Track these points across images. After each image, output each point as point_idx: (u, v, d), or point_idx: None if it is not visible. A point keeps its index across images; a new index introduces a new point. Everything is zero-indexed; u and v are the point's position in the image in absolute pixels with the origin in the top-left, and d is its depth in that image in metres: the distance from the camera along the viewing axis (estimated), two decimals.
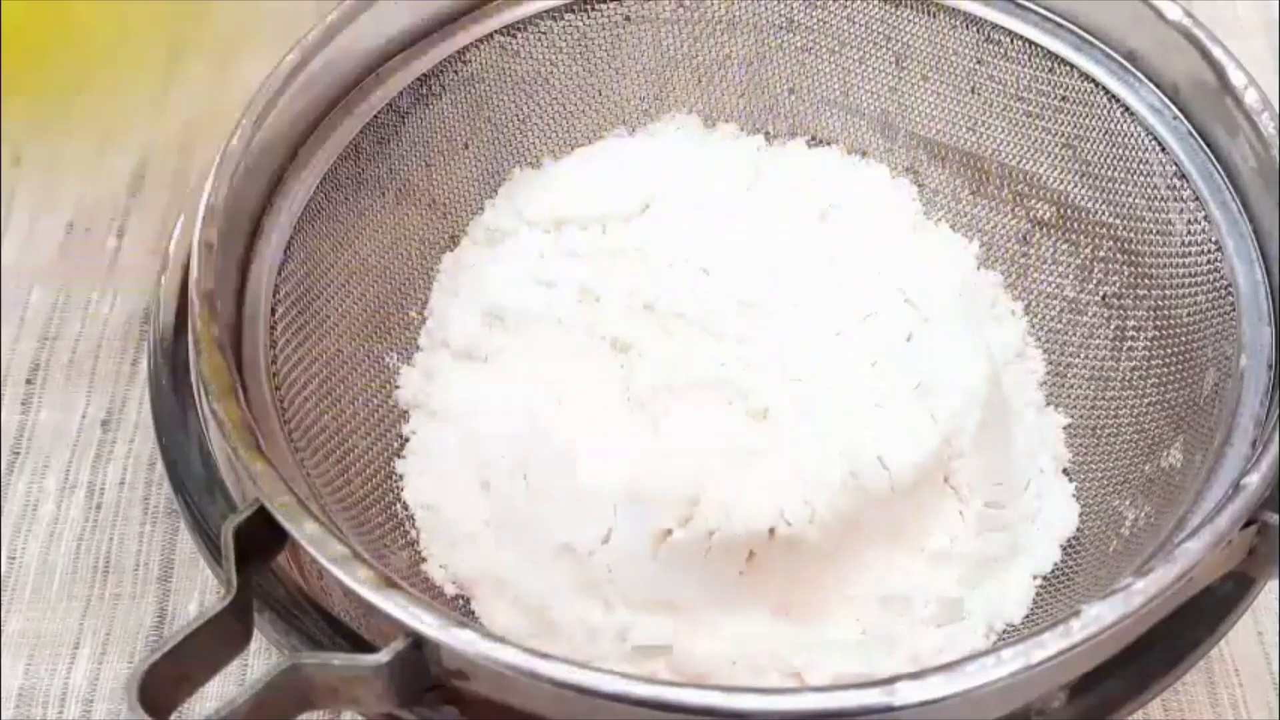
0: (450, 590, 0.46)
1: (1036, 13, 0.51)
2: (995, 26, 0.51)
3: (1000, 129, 0.53)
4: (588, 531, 0.45)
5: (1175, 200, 0.48)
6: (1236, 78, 0.45)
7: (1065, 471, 0.50)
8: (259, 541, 0.37)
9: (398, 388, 0.50)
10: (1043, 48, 0.51)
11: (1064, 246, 0.52)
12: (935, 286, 0.51)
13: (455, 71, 0.52)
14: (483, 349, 0.51)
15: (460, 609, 0.46)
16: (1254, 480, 0.38)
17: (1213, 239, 0.46)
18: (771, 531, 0.44)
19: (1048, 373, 0.52)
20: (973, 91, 0.53)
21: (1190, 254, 0.47)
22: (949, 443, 0.47)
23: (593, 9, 0.54)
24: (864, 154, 0.56)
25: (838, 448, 0.45)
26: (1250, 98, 0.45)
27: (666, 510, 0.44)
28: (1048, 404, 0.51)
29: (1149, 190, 0.49)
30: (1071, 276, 0.52)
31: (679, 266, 0.51)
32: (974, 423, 0.47)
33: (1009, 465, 0.49)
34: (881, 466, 0.45)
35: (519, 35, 0.53)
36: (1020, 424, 0.50)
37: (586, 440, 0.47)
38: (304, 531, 0.37)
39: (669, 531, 0.44)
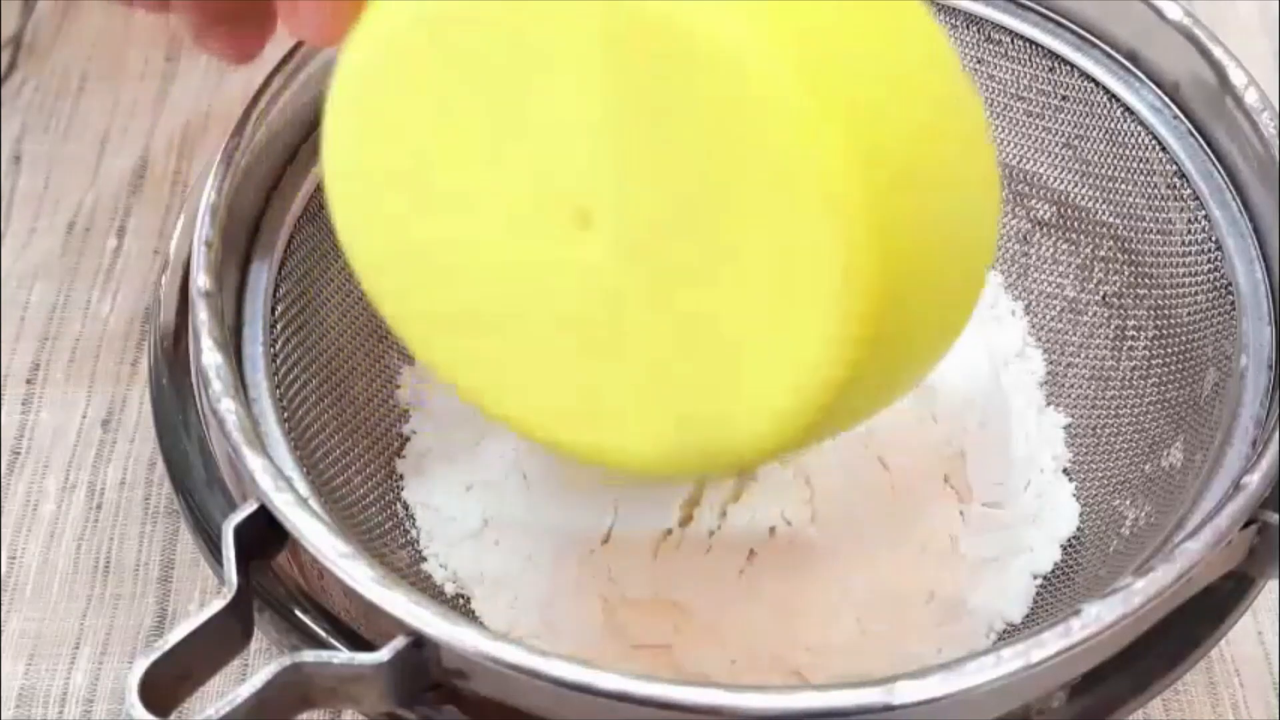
0: (450, 589, 0.46)
1: (1036, 12, 0.51)
2: (995, 26, 0.51)
3: (1000, 129, 0.53)
4: (588, 531, 0.45)
5: (1175, 200, 0.48)
6: (1237, 77, 0.45)
7: (1065, 471, 0.50)
8: (259, 540, 0.37)
9: (398, 387, 0.50)
10: (1043, 47, 0.50)
11: (1064, 246, 0.52)
12: None
13: None
14: None
15: (460, 608, 0.46)
16: (1254, 480, 0.38)
17: (1213, 238, 0.46)
18: (771, 531, 0.44)
19: (1048, 373, 0.52)
20: None
21: (1190, 253, 0.47)
22: (949, 442, 0.47)
23: None
24: None
25: (837, 447, 0.45)
26: (1250, 97, 0.45)
27: (666, 510, 0.44)
28: (1048, 404, 0.51)
29: (1149, 190, 0.49)
30: (1071, 276, 0.52)
31: None
32: (974, 423, 0.47)
33: (1009, 465, 0.49)
34: (881, 466, 0.45)
35: None
36: (1020, 424, 0.50)
37: None
38: (304, 530, 0.37)
39: (669, 531, 0.44)
